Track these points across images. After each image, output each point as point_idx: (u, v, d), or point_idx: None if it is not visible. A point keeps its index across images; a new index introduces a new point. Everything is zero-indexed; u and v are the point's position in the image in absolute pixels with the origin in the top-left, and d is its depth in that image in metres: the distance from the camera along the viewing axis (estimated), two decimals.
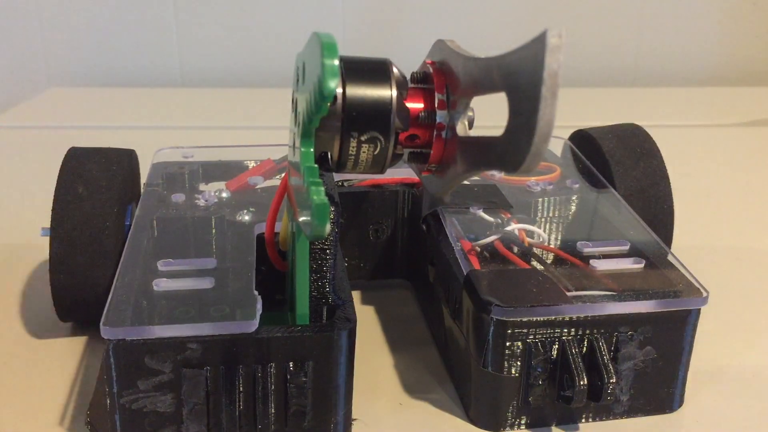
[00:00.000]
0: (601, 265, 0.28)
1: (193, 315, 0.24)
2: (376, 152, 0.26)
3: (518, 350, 0.26)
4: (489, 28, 0.75)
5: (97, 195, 0.30)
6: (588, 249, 0.29)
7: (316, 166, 0.23)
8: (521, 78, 0.21)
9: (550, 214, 0.32)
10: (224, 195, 0.32)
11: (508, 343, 0.26)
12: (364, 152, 0.26)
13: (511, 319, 0.25)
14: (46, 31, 0.76)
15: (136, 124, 0.64)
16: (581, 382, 0.25)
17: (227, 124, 0.65)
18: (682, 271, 0.28)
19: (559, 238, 0.30)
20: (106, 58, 0.77)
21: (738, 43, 0.83)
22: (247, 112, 0.68)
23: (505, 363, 0.26)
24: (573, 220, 0.32)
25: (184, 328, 0.23)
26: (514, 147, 0.22)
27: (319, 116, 0.22)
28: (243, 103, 0.71)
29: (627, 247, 0.29)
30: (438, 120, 0.28)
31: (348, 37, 0.77)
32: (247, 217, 0.31)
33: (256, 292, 0.25)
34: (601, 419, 0.27)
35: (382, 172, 0.29)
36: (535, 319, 0.25)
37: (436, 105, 0.28)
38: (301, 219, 0.22)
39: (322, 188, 0.21)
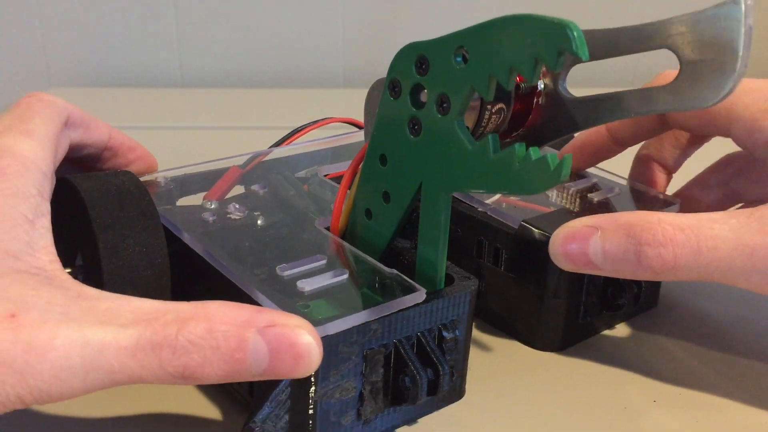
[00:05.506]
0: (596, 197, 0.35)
1: (363, 302, 0.26)
2: (498, 122, 0.28)
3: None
4: None
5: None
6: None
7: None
8: (713, 33, 0.25)
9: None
10: (236, 205, 0.32)
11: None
12: (492, 123, 0.28)
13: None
14: (46, 31, 0.76)
15: (136, 124, 0.64)
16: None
17: (227, 124, 0.66)
18: None
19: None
20: (107, 59, 0.77)
21: None
22: (248, 112, 0.68)
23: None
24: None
25: (368, 313, 0.25)
26: (705, 87, 0.25)
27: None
28: (243, 103, 0.71)
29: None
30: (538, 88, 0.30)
31: (348, 37, 0.77)
32: (286, 216, 0.32)
33: (393, 270, 0.27)
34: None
35: None
36: None
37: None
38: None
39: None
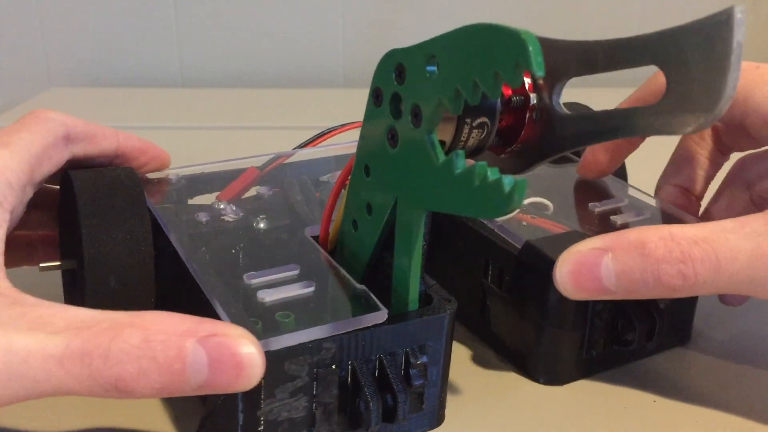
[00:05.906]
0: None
1: (321, 317, 0.25)
2: (482, 137, 0.27)
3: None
4: None
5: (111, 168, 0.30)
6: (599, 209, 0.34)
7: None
8: (700, 51, 0.24)
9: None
10: (233, 207, 0.31)
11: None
12: (473, 138, 0.26)
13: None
14: (47, 31, 0.76)
15: (136, 124, 0.64)
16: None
17: (227, 124, 0.65)
18: None
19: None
20: (107, 59, 0.77)
21: None
22: (247, 112, 0.68)
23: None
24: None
25: (320, 330, 0.24)
26: (689, 109, 0.24)
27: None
28: (243, 103, 0.71)
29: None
30: (531, 102, 0.29)
31: (348, 37, 0.77)
32: (283, 222, 0.31)
33: (363, 286, 0.26)
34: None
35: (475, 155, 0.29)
36: None
37: (527, 88, 0.29)
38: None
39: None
